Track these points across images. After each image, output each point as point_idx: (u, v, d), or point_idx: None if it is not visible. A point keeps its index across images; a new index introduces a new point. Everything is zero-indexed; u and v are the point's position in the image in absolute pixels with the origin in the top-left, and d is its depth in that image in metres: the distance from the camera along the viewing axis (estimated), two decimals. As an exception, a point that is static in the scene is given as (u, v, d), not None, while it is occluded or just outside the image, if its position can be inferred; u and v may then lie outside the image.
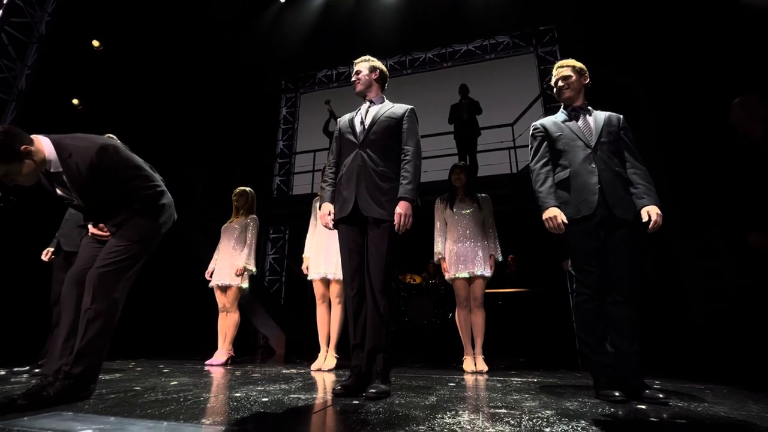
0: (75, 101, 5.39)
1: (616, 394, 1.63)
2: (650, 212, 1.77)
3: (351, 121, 2.07)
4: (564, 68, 2.02)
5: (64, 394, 1.47)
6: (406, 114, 2.02)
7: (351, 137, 2.02)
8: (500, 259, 3.08)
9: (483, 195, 3.21)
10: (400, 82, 8.07)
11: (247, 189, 3.68)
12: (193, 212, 5.90)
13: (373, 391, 1.68)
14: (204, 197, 6.12)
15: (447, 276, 3.08)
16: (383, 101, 2.12)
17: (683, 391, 1.94)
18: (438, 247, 3.16)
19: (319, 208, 2.10)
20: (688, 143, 3.62)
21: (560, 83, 2.02)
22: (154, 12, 6.25)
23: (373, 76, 2.12)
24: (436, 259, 3.18)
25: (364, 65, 2.12)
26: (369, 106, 2.09)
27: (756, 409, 1.51)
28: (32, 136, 1.54)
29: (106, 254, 1.63)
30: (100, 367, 1.63)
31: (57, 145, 1.57)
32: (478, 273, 2.96)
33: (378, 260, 1.84)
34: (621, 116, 1.98)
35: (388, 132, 1.98)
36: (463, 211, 3.11)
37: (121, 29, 5.83)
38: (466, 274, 2.98)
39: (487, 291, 3.08)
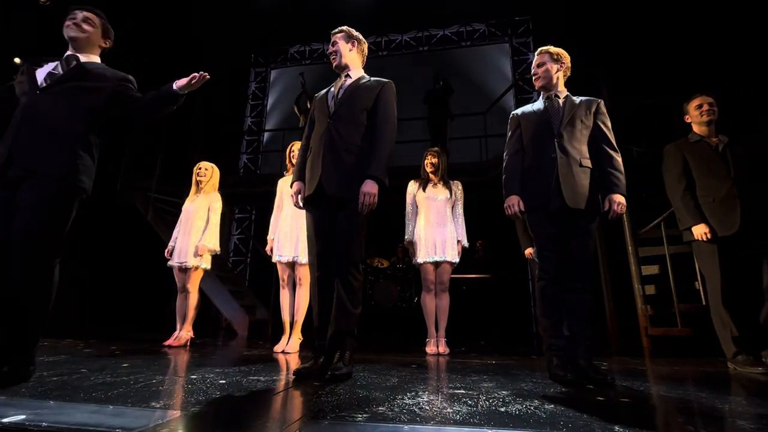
0: (17, 60, 4.90)
1: (568, 375, 1.69)
2: (612, 201, 1.79)
3: (325, 96, 1.96)
4: (540, 54, 1.99)
5: (-3, 377, 1.36)
6: (382, 89, 1.89)
7: (323, 112, 1.91)
8: (467, 245, 3.14)
9: (455, 181, 3.24)
10: (374, 64, 7.92)
11: (211, 164, 3.52)
12: (150, 185, 5.58)
13: (335, 373, 1.67)
14: (162, 172, 5.79)
15: (415, 260, 3.10)
16: (360, 75, 1.99)
17: (627, 371, 2.08)
18: (408, 230, 3.17)
19: (291, 186, 2.02)
20: (648, 139, 3.80)
21: (534, 69, 2.00)
22: (110, -32, 5.72)
23: (350, 48, 1.98)
24: (405, 242, 3.19)
25: (341, 36, 1.99)
26: (344, 80, 1.96)
27: (692, 389, 1.64)
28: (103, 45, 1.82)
29: (31, 227, 1.44)
30: (37, 347, 1.51)
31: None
32: (447, 258, 3.00)
33: (345, 242, 1.79)
34: (600, 101, 1.95)
35: (361, 107, 1.86)
36: (437, 197, 3.13)
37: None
38: (435, 259, 3.01)
39: (451, 276, 3.13)
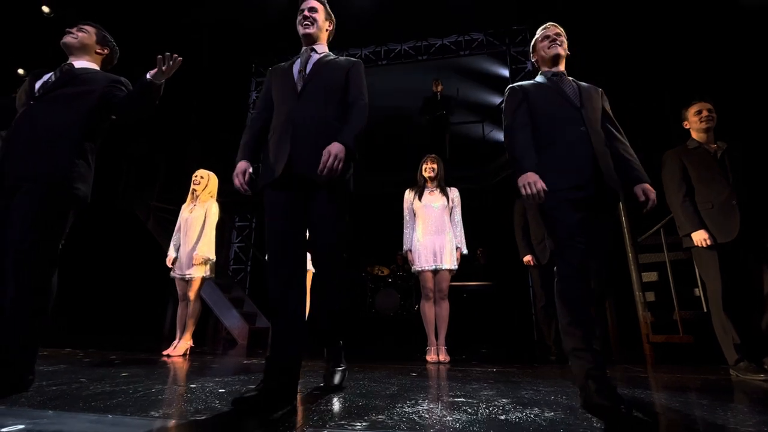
0: (20, 71, 4.97)
1: (610, 404, 1.26)
2: (647, 191, 1.56)
3: (288, 70, 1.74)
4: (555, 26, 1.78)
5: (-3, 387, 1.36)
6: (353, 66, 1.76)
7: (288, 87, 1.69)
8: (465, 252, 3.14)
9: (453, 188, 3.25)
10: (373, 72, 8.00)
11: (208, 172, 3.53)
12: (151, 194, 5.62)
13: (332, 377, 1.68)
14: (163, 180, 5.83)
15: (413, 268, 3.10)
16: (326, 52, 1.83)
17: (629, 379, 2.07)
18: (406, 239, 3.17)
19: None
20: (645, 145, 3.82)
21: (554, 37, 1.74)
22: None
23: (328, 24, 1.86)
24: (403, 251, 3.20)
25: (323, 8, 1.83)
26: (310, 55, 1.78)
27: (694, 397, 1.63)
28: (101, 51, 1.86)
29: (25, 236, 1.44)
30: (36, 356, 1.51)
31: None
32: (446, 266, 3.00)
33: (326, 231, 1.57)
34: (600, 89, 1.79)
35: (332, 82, 1.70)
36: (433, 205, 3.13)
37: (75, -4, 5.39)
38: (433, 267, 3.01)
39: (451, 284, 3.13)
